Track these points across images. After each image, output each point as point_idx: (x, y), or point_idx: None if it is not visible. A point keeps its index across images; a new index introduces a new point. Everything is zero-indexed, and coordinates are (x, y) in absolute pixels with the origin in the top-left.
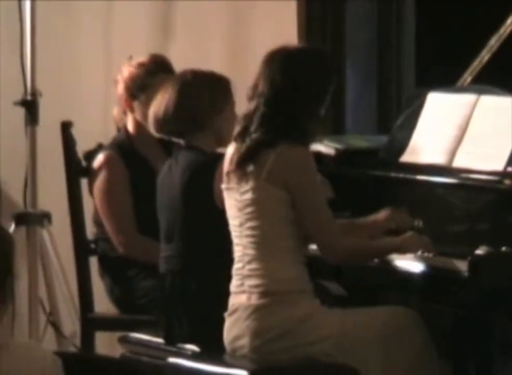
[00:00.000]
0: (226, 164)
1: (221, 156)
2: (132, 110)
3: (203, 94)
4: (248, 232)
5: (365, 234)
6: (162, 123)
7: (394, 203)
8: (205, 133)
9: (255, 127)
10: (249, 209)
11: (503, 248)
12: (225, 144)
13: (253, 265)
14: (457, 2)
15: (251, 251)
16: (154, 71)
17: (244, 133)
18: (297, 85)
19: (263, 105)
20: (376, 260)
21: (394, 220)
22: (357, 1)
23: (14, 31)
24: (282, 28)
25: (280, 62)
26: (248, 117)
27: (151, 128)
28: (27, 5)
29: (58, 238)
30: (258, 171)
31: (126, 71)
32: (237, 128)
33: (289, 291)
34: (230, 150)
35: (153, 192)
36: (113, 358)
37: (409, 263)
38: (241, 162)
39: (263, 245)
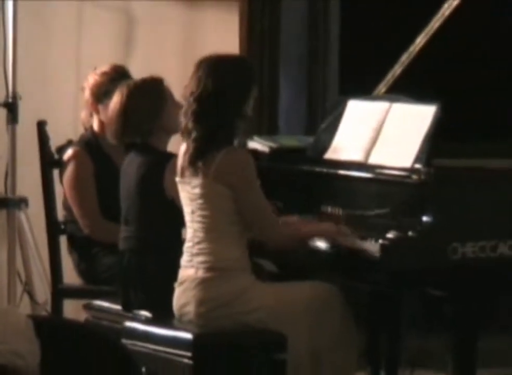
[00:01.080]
0: (180, 160)
1: (169, 154)
2: (97, 112)
3: (139, 104)
4: (199, 219)
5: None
6: (116, 134)
7: (318, 196)
8: (154, 132)
9: (190, 124)
10: (199, 201)
11: (410, 233)
12: (175, 131)
13: (202, 246)
14: (376, 26)
15: (200, 234)
16: (116, 78)
17: (186, 129)
18: (220, 87)
19: (193, 104)
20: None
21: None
22: (290, 20)
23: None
24: (226, 41)
25: (207, 67)
26: (185, 115)
27: (110, 138)
28: (9, 21)
29: (33, 220)
30: (207, 169)
31: (91, 79)
32: (181, 124)
33: (230, 268)
34: (182, 148)
35: (115, 183)
36: (78, 322)
37: (331, 246)
38: (192, 160)
39: (211, 230)
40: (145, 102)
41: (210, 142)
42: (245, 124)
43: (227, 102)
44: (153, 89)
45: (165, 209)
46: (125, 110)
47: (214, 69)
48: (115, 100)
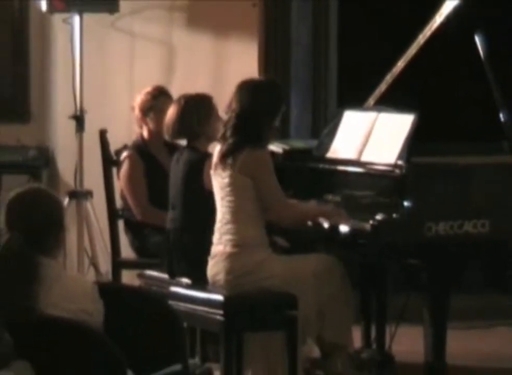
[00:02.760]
0: (215, 158)
1: (208, 154)
2: (146, 124)
3: (193, 112)
4: (227, 204)
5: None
6: (171, 133)
7: (321, 188)
8: (200, 137)
9: (229, 133)
10: (227, 189)
11: (394, 215)
12: (214, 140)
13: (229, 226)
14: (372, 48)
15: (227, 216)
16: (157, 96)
17: (223, 136)
18: (257, 105)
19: (234, 119)
20: (310, 223)
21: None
22: (298, 50)
23: (68, 69)
24: (248, 67)
25: (246, 89)
26: (225, 126)
27: (166, 136)
28: (77, 52)
29: (97, 208)
30: (234, 164)
31: (138, 99)
32: (220, 132)
33: (251, 244)
34: (217, 149)
35: (160, 177)
36: (133, 287)
37: (332, 225)
38: (223, 158)
39: (235, 213)
40: (197, 111)
41: (240, 146)
42: (274, 133)
43: (260, 118)
44: (204, 102)
45: (203, 197)
46: (182, 115)
47: (250, 91)
48: (174, 107)
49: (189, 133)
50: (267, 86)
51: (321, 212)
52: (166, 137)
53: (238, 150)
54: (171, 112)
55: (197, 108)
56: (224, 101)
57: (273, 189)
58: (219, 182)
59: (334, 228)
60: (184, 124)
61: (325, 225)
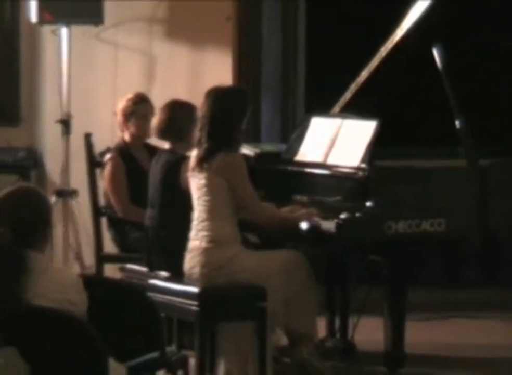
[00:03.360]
0: (192, 161)
1: (185, 157)
2: (128, 128)
3: (182, 117)
4: (203, 203)
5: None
6: (159, 133)
7: (290, 190)
8: (182, 141)
9: (204, 139)
10: (203, 189)
11: (357, 214)
12: (193, 147)
13: (204, 223)
14: (337, 59)
15: (203, 214)
16: (137, 102)
17: (199, 141)
18: (225, 111)
19: (206, 125)
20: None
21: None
22: (268, 60)
23: (56, 77)
24: (222, 75)
25: (214, 96)
26: (200, 131)
27: (154, 134)
28: (64, 62)
29: (82, 206)
30: (209, 166)
31: (120, 105)
32: (196, 138)
33: (225, 240)
34: (194, 153)
35: (140, 178)
36: (115, 279)
37: (300, 224)
38: (200, 161)
39: (211, 211)
40: (186, 117)
41: (214, 150)
42: (242, 136)
43: (228, 122)
44: (192, 110)
45: (179, 197)
46: (172, 118)
47: (218, 98)
48: (164, 110)
49: (174, 136)
50: (232, 92)
51: (295, 217)
52: (155, 136)
53: (213, 154)
54: (162, 114)
55: (186, 114)
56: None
57: (248, 190)
58: (196, 183)
59: (301, 227)
60: (172, 126)
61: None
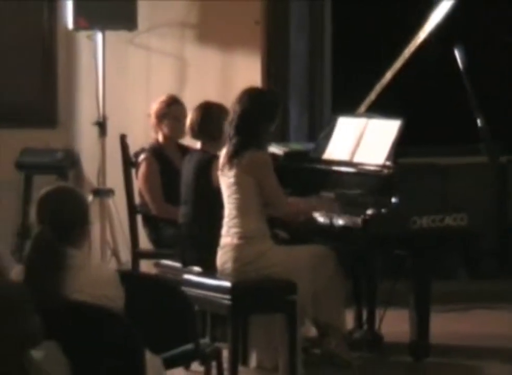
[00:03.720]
0: (221, 160)
1: (216, 156)
2: (161, 129)
3: (213, 119)
4: (232, 200)
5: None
6: (193, 134)
7: (317, 186)
8: (214, 140)
9: (232, 133)
10: (233, 187)
11: (382, 210)
12: (224, 144)
13: (235, 220)
14: (363, 60)
15: (234, 211)
16: (170, 104)
17: (229, 137)
18: (257, 111)
19: (236, 119)
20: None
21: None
22: (296, 63)
23: (92, 80)
24: (251, 77)
25: (249, 95)
26: (229, 125)
27: (188, 135)
28: (100, 66)
29: (118, 204)
30: (238, 165)
31: (154, 106)
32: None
33: (255, 236)
34: (224, 151)
35: (173, 178)
36: (151, 275)
37: (327, 219)
38: (229, 159)
39: (241, 208)
40: (217, 118)
41: (243, 147)
42: (271, 137)
43: (257, 121)
44: (222, 112)
45: (211, 194)
46: (204, 119)
47: (252, 98)
48: (197, 111)
49: (207, 136)
50: (267, 94)
51: (315, 207)
52: (189, 136)
53: (242, 151)
54: (194, 115)
55: (217, 115)
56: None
57: (274, 187)
58: (225, 181)
59: (329, 223)
60: (205, 127)
61: (321, 219)
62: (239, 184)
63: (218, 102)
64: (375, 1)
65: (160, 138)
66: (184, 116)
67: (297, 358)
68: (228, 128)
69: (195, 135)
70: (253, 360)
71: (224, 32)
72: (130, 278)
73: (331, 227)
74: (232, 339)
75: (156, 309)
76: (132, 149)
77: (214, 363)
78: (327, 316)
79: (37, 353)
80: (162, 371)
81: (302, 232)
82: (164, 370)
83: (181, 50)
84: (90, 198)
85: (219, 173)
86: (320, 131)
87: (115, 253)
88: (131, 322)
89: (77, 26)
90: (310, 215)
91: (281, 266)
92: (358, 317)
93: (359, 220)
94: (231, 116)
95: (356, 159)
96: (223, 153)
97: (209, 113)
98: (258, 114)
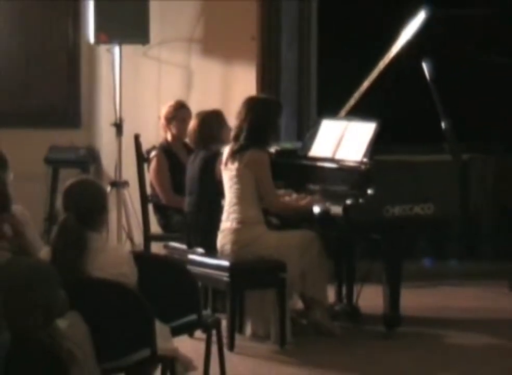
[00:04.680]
0: (225, 155)
1: (219, 153)
2: (170, 130)
3: (209, 126)
4: (233, 191)
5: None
6: (192, 142)
7: (304, 180)
8: (215, 142)
9: (243, 136)
10: (234, 179)
11: (360, 200)
12: (225, 143)
13: (234, 207)
14: (344, 72)
15: (234, 200)
16: (178, 108)
17: (236, 137)
18: (266, 117)
19: (248, 125)
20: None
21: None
22: (287, 74)
23: (110, 87)
24: (248, 86)
25: (260, 104)
26: (237, 129)
27: (189, 143)
28: (117, 73)
29: (132, 194)
30: (240, 160)
31: (163, 110)
32: (232, 135)
33: (251, 222)
34: (227, 148)
35: (180, 172)
36: (160, 255)
37: (314, 208)
38: (232, 155)
39: (240, 197)
40: (213, 124)
41: (247, 146)
42: (274, 137)
43: (265, 128)
44: (218, 117)
45: (213, 186)
46: (201, 128)
47: (254, 105)
48: (194, 121)
49: (206, 141)
50: (273, 103)
51: (305, 206)
52: (190, 143)
53: (245, 149)
54: (192, 125)
55: (212, 122)
56: (231, 113)
57: (268, 184)
58: (228, 173)
59: (315, 211)
60: (202, 135)
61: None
62: (240, 176)
63: (212, 110)
64: (355, 20)
65: (169, 137)
66: (190, 118)
67: (286, 327)
68: (236, 130)
69: (195, 144)
70: (248, 329)
71: (224, 46)
72: (142, 258)
73: (316, 215)
74: (230, 311)
75: (164, 284)
76: (144, 147)
77: (214, 332)
78: (312, 291)
79: (62, 322)
80: (170, 338)
81: (291, 219)
82: (171, 337)
83: (187, 61)
84: (108, 189)
85: (222, 166)
86: (307, 132)
87: (130, 237)
88: (143, 296)
89: (98, 40)
90: (304, 209)
91: (273, 249)
92: (339, 292)
93: (340, 209)
94: (240, 120)
95: (338, 156)
96: (226, 149)
97: (205, 122)
98: (267, 121)
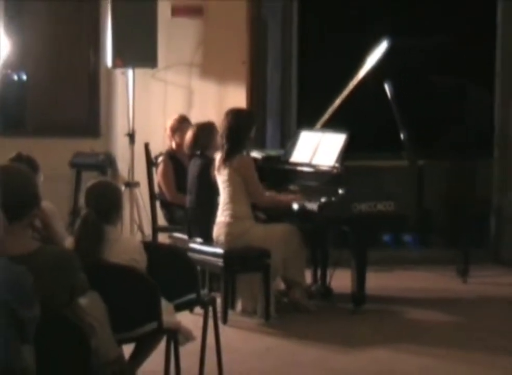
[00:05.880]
0: (217, 162)
1: (213, 159)
2: (174, 140)
3: (203, 136)
4: (226, 191)
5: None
6: (189, 149)
7: (286, 182)
8: (209, 149)
9: (225, 144)
10: (226, 183)
11: (332, 198)
12: (217, 150)
13: (227, 205)
14: (321, 90)
15: (227, 199)
16: (181, 121)
17: (222, 147)
18: (238, 125)
19: (226, 132)
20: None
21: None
22: (272, 93)
23: (125, 104)
24: (239, 102)
25: (231, 115)
26: (221, 138)
27: (186, 149)
28: (130, 92)
29: (142, 193)
30: (230, 166)
31: (168, 123)
32: (219, 143)
33: (241, 217)
34: (218, 156)
35: (182, 174)
36: (165, 244)
37: (294, 205)
38: (223, 162)
39: (232, 197)
40: (207, 134)
41: (232, 152)
42: (250, 143)
43: (241, 134)
44: (211, 128)
45: (209, 187)
46: (196, 138)
47: (234, 117)
48: (190, 131)
49: (200, 148)
50: (244, 112)
51: (288, 201)
52: (186, 150)
53: (232, 156)
54: (189, 135)
55: (206, 132)
56: None
57: (255, 183)
58: (221, 178)
59: (294, 208)
60: (197, 143)
61: (295, 206)
62: (231, 180)
63: (206, 122)
64: (329, 49)
65: (173, 145)
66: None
67: (270, 304)
68: (220, 139)
69: (190, 149)
70: (239, 306)
71: (219, 69)
72: (150, 247)
73: (295, 210)
74: (224, 290)
75: (169, 268)
76: (153, 153)
77: (210, 308)
78: (292, 274)
79: (83, 300)
80: (173, 313)
81: (275, 214)
82: (175, 312)
83: (188, 82)
84: (122, 188)
85: (216, 172)
86: (288, 141)
87: (140, 229)
88: (151, 278)
89: (115, 65)
90: (285, 206)
91: (260, 239)
92: (314, 275)
93: (315, 206)
94: (222, 130)
95: (314, 162)
96: (218, 157)
97: (199, 134)
98: (239, 128)
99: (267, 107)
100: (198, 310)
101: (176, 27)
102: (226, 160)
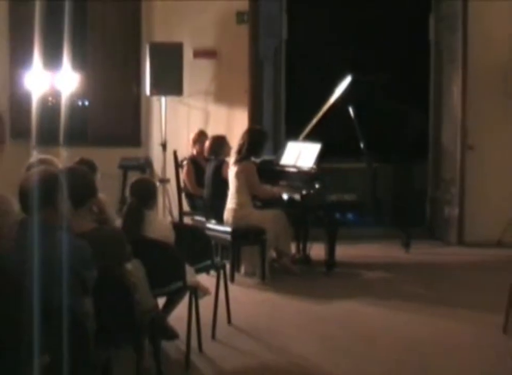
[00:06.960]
0: (231, 163)
1: (225, 161)
2: (195, 148)
3: (218, 145)
4: (234, 186)
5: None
6: (208, 153)
7: (277, 179)
8: (221, 155)
9: (244, 151)
10: (234, 179)
11: (311, 191)
12: (226, 156)
13: (234, 195)
14: (304, 113)
15: (234, 191)
16: (200, 135)
17: (239, 151)
18: (254, 141)
19: (248, 145)
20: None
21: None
22: (267, 115)
23: (159, 122)
24: (242, 121)
25: (249, 132)
26: (240, 145)
27: (205, 153)
28: (163, 114)
29: (172, 187)
30: (238, 167)
31: (191, 136)
32: (236, 149)
33: (244, 204)
34: (232, 159)
35: (201, 173)
36: (189, 224)
37: (284, 196)
38: (235, 162)
39: (238, 190)
40: (220, 144)
41: (244, 158)
42: (262, 154)
43: (256, 146)
44: (223, 140)
45: (221, 182)
46: (212, 146)
47: (251, 135)
48: (209, 141)
49: (214, 154)
50: (263, 131)
51: (277, 192)
52: (206, 155)
53: (242, 160)
54: (206, 145)
55: (219, 143)
56: (232, 137)
57: (255, 181)
58: (232, 174)
59: (283, 198)
60: (212, 151)
61: (284, 196)
62: (238, 177)
63: (219, 135)
64: (309, 84)
65: (194, 152)
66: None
67: (266, 268)
68: (239, 147)
69: (208, 154)
70: (243, 269)
71: (228, 97)
72: (178, 226)
73: (285, 199)
74: (232, 258)
75: (191, 242)
76: (180, 158)
77: (222, 271)
78: (281, 246)
79: (128, 265)
80: (194, 275)
81: (268, 202)
82: (195, 274)
83: (206, 106)
84: (158, 183)
85: (228, 170)
86: (279, 149)
87: (170, 213)
88: (178, 249)
89: (152, 93)
90: (277, 196)
91: (257, 221)
92: (298, 248)
93: (299, 196)
94: (243, 140)
95: (297, 164)
96: (232, 158)
97: (214, 144)
98: (257, 143)
99: (263, 124)
100: (212, 272)
101: (196, 65)
102: (237, 162)
